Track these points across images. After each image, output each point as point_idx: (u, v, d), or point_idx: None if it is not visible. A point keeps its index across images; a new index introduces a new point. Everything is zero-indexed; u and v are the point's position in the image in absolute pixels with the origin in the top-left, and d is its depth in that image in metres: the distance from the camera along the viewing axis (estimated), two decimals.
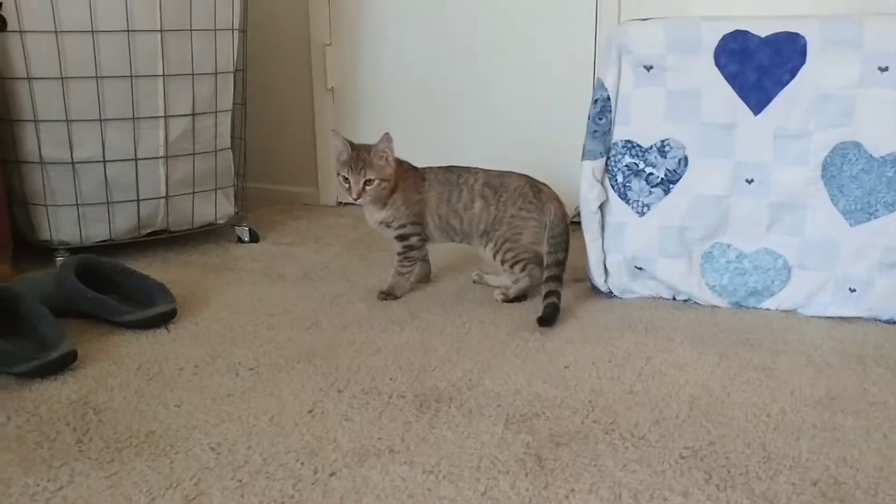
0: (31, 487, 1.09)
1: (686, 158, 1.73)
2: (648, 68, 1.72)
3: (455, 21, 2.62)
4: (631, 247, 1.81)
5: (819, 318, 1.71)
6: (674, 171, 1.74)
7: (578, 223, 1.85)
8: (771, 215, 1.71)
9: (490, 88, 2.62)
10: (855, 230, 1.65)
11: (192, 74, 2.15)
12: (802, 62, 1.61)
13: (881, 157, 1.61)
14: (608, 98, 1.75)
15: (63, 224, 2.08)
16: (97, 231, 2.12)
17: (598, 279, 1.86)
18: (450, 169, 1.86)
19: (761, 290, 1.75)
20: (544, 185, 1.84)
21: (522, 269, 1.82)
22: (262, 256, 2.24)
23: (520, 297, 1.83)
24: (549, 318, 1.66)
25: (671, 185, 1.75)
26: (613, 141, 1.78)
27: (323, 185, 2.92)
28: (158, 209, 2.20)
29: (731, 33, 1.65)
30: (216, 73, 2.21)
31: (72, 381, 1.42)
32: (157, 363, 1.50)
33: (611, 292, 1.87)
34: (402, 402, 1.33)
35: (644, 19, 1.75)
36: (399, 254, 1.87)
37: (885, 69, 1.57)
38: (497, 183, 1.82)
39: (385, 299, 1.85)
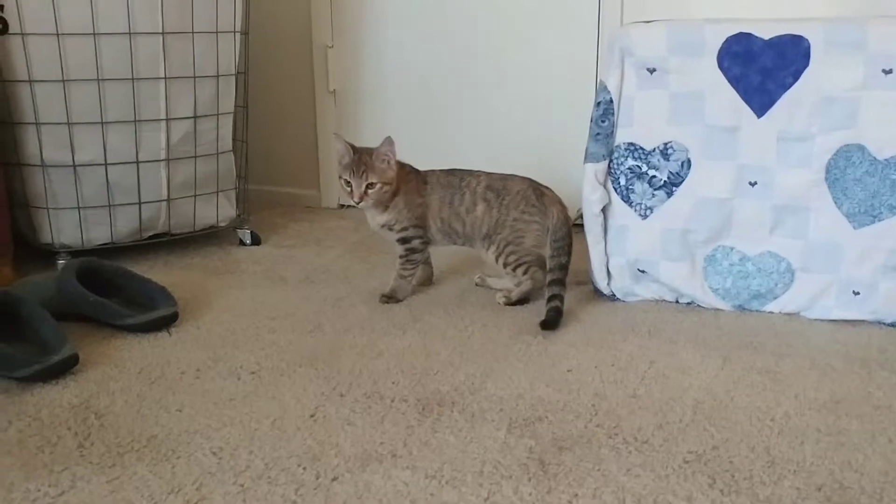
0: (33, 492, 1.09)
1: (689, 161, 1.73)
2: (651, 71, 1.71)
3: (457, 23, 2.61)
4: (634, 250, 1.80)
5: (823, 321, 1.70)
6: (677, 173, 1.74)
7: (581, 226, 1.85)
8: (774, 218, 1.70)
9: (492, 90, 2.62)
10: (858, 233, 1.65)
11: (194, 77, 2.15)
12: (806, 65, 1.61)
13: (885, 160, 1.61)
14: (611, 101, 1.75)
15: (64, 227, 2.08)
16: (98, 234, 2.12)
17: (601, 282, 1.85)
18: (452, 172, 1.86)
19: (765, 293, 1.75)
20: (547, 188, 1.84)
21: (525, 272, 1.82)
22: (264, 259, 2.23)
23: (522, 300, 1.83)
24: (552, 322, 1.65)
25: (674, 188, 1.75)
26: (616, 143, 1.77)
27: (324, 187, 2.92)
28: (160, 212, 2.20)
29: (734, 36, 1.64)
30: (218, 76, 2.21)
31: (73, 385, 1.41)
32: (158, 367, 1.49)
33: (613, 295, 1.86)
34: (404, 406, 1.33)
35: (647, 21, 1.74)
36: (401, 257, 1.86)
37: (889, 71, 1.57)
38: (499, 186, 1.82)
39: (387, 302, 1.85)
